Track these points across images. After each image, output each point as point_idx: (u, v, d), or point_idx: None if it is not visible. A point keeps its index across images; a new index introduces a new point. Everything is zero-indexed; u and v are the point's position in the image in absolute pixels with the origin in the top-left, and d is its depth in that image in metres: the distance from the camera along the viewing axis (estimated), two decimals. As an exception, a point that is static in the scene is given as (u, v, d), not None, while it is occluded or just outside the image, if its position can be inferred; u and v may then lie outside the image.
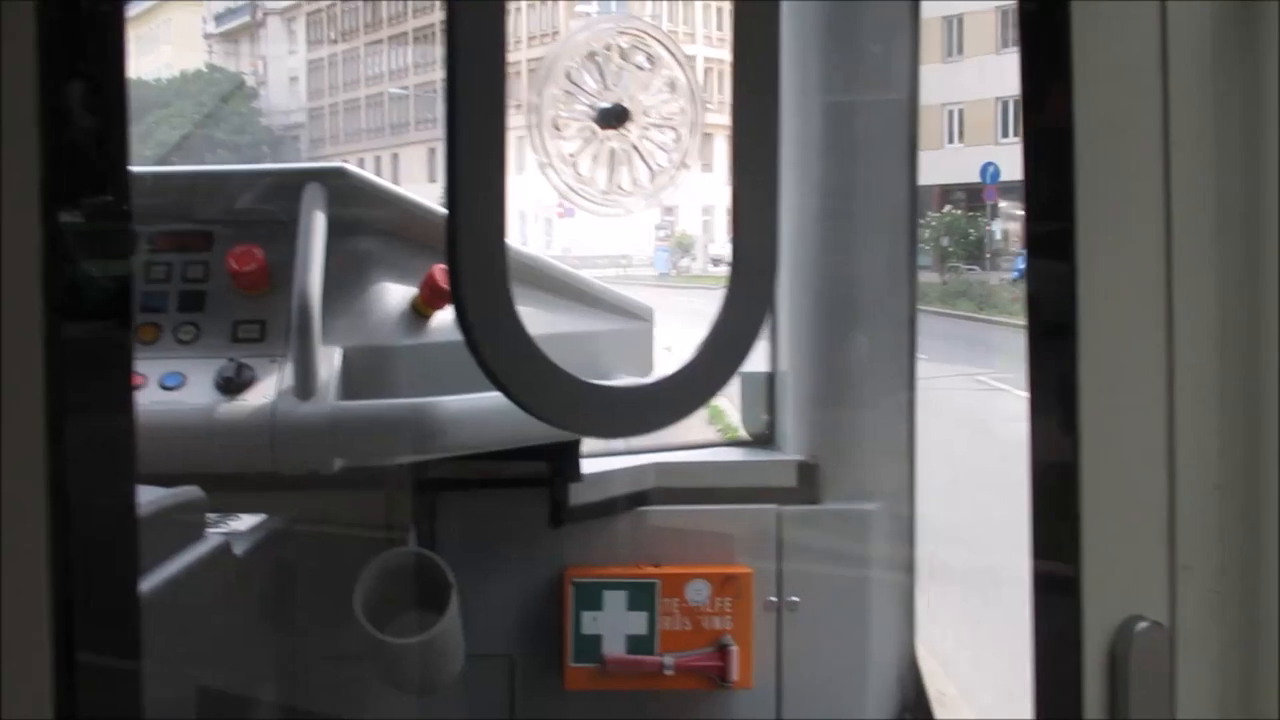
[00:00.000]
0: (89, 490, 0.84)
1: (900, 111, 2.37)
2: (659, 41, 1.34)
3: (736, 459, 2.60)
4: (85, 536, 0.83)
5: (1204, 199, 1.07)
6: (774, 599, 2.54)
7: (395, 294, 1.95)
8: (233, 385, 1.85)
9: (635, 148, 1.34)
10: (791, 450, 2.58)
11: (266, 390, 1.85)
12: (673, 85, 1.34)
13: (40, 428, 0.82)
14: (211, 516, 1.96)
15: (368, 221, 2.03)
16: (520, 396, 1.22)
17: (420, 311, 1.95)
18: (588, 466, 2.37)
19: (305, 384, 1.80)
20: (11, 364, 0.81)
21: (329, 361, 1.85)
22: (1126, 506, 1.08)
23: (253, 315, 1.93)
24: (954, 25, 13.83)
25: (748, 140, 1.20)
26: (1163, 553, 1.08)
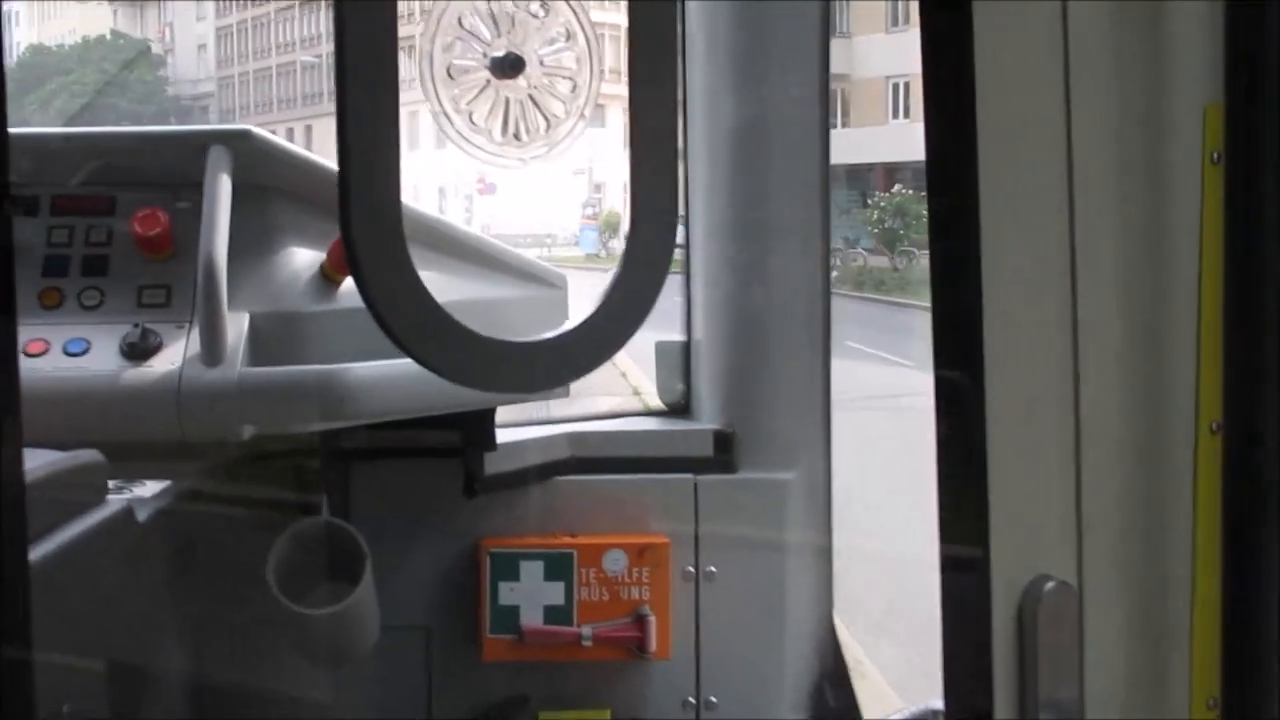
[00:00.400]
0: None
1: (809, 81, 2.31)
2: None
3: (652, 428, 2.60)
4: None
5: (1106, 152, 1.09)
6: (691, 569, 2.54)
7: (303, 259, 1.94)
8: (138, 351, 1.82)
9: (531, 98, 1.33)
10: (707, 420, 2.58)
11: (173, 356, 1.82)
12: (568, 34, 1.33)
13: None
14: (115, 483, 1.95)
15: (274, 185, 1.99)
16: (420, 353, 1.20)
17: (329, 277, 1.94)
18: (502, 436, 2.36)
19: (212, 350, 1.78)
20: None
21: (236, 327, 1.83)
22: (1033, 467, 1.09)
23: (158, 280, 1.91)
24: (899, -9, 14.15)
25: (647, 90, 1.19)
26: (1070, 513, 1.09)
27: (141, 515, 1.99)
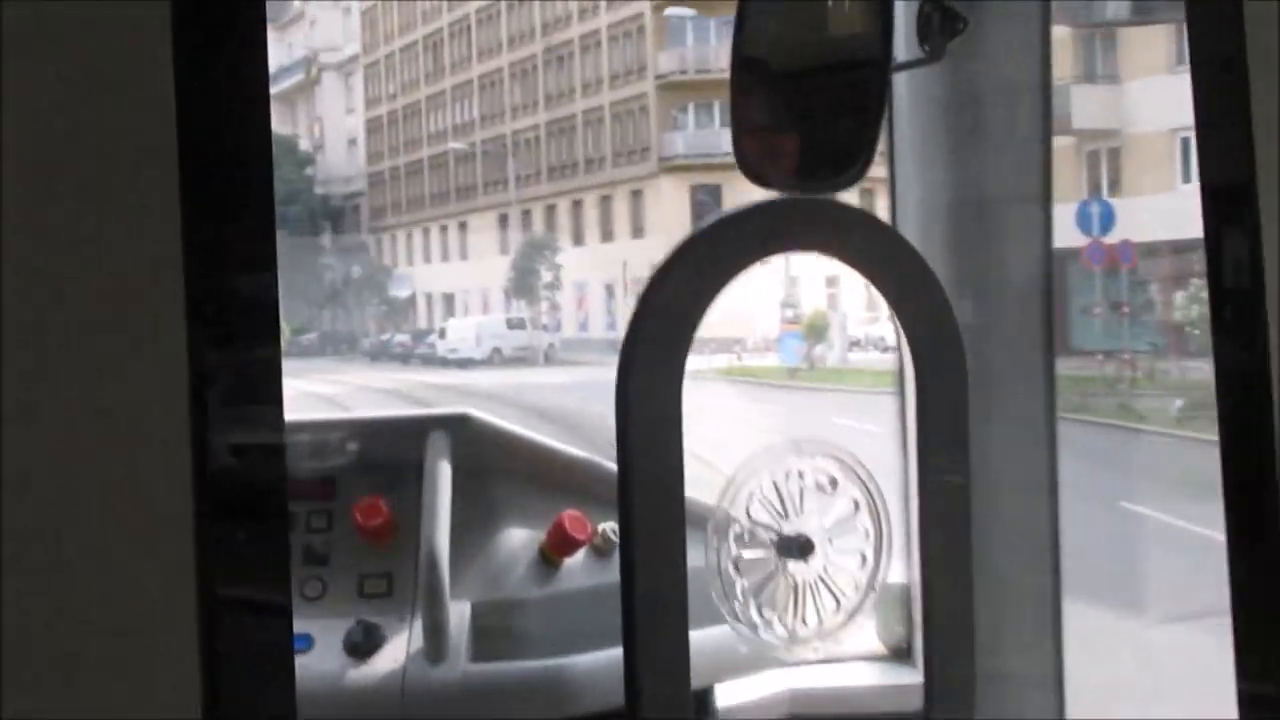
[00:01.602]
0: None
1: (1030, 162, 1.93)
2: (838, 460, 1.40)
3: (877, 681, 2.32)
4: None
5: None
6: None
7: (521, 539, 1.98)
8: (361, 650, 1.88)
9: (822, 579, 1.40)
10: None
11: (396, 653, 1.88)
12: (856, 505, 1.40)
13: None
14: None
15: (493, 466, 2.06)
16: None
17: (549, 559, 1.97)
18: (721, 697, 2.19)
19: (436, 647, 1.86)
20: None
21: (458, 617, 1.90)
22: None
23: (379, 569, 1.96)
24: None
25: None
26: None
27: None
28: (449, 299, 54.12)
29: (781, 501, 1.35)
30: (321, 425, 2.15)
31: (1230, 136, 0.96)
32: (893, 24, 1.25)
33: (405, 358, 43.43)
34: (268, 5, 0.98)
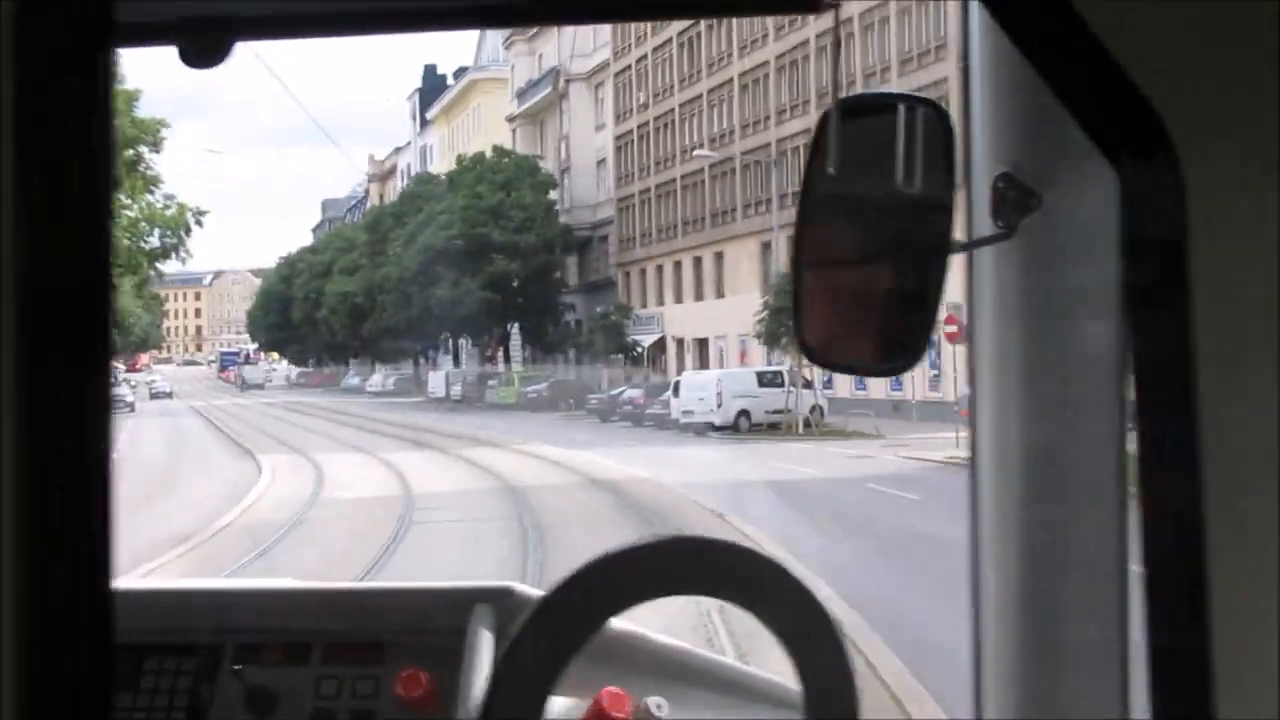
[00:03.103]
0: None
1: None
2: None
3: None
4: None
5: None
6: None
7: (562, 711, 1.85)
8: None
9: None
10: None
11: None
12: None
13: None
14: None
15: None
16: None
17: None
18: None
19: None
20: None
21: None
22: None
23: None
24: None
25: None
26: None
27: None
28: (702, 346, 49.15)
29: None
30: (366, 594, 2.23)
31: None
32: (954, 206, 1.25)
33: (637, 418, 38.06)
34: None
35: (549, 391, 43.01)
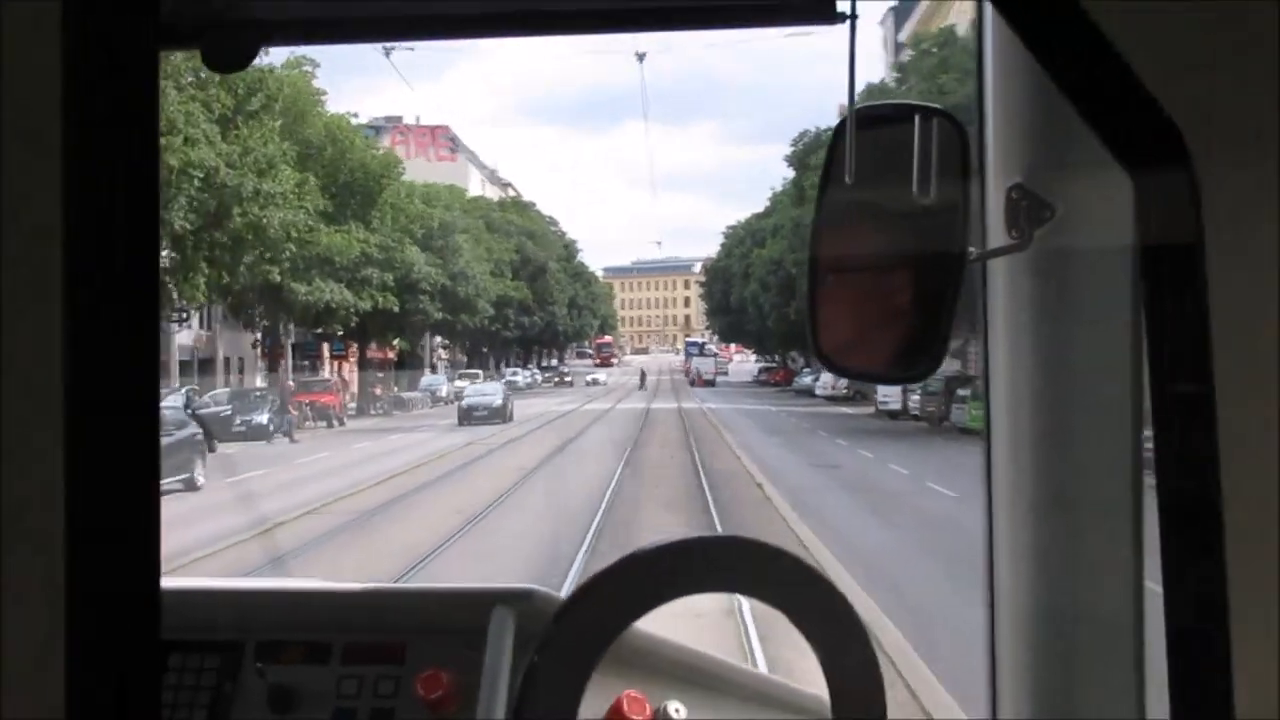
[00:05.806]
0: None
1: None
2: None
3: None
4: None
5: None
6: None
7: (583, 713, 1.76)
8: None
9: None
10: None
11: None
12: None
13: None
14: None
15: None
16: None
17: None
18: None
19: None
20: None
21: None
22: None
23: None
24: None
25: None
26: None
27: None
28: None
29: None
30: (388, 595, 2.23)
31: None
32: (969, 217, 1.26)
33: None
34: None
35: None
